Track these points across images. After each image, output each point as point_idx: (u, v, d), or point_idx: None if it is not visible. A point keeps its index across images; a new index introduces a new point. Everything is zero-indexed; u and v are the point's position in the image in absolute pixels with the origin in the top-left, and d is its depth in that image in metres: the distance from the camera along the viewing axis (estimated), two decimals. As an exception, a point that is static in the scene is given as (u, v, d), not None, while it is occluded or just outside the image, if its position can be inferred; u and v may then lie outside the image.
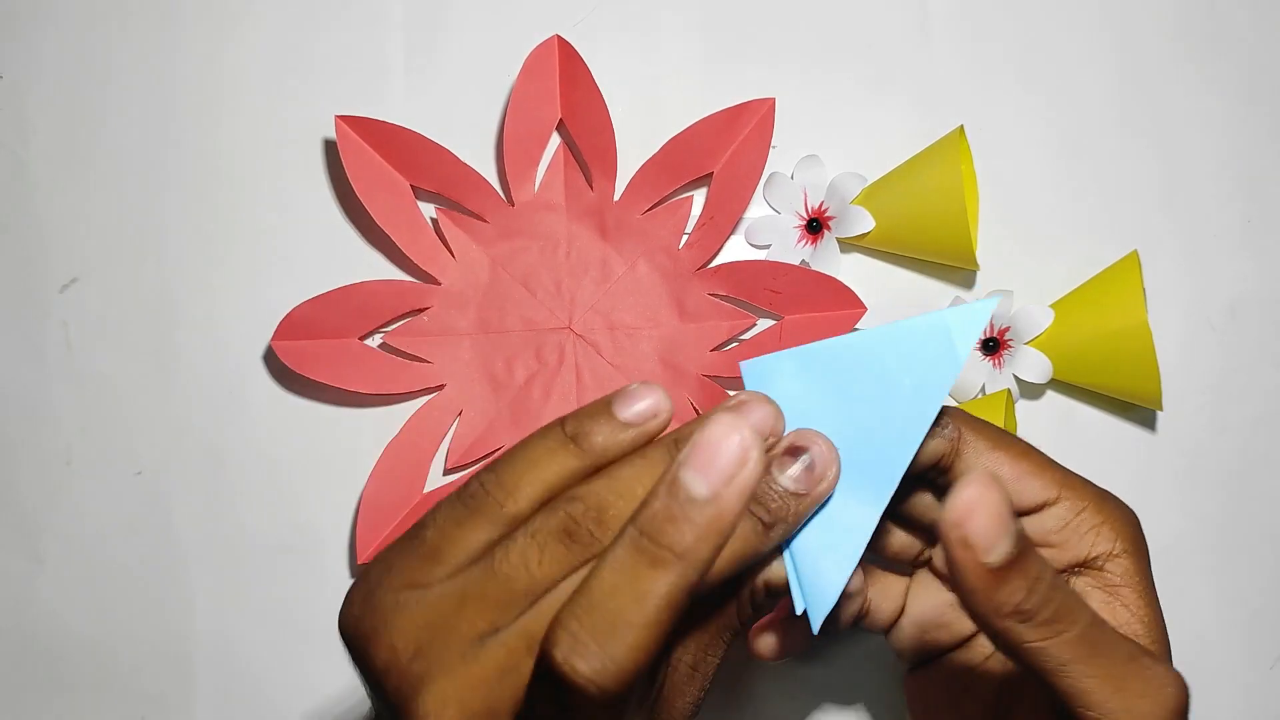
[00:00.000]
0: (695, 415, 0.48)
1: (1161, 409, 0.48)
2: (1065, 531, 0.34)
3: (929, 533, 0.38)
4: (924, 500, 0.36)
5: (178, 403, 0.49)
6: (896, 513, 0.37)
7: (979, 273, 0.49)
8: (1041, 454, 0.35)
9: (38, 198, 0.50)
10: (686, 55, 0.50)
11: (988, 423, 0.35)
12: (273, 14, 0.50)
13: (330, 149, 0.49)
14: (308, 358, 0.47)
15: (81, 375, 0.49)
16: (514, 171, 0.48)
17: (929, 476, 0.35)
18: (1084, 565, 0.35)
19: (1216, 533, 0.49)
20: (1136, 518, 0.35)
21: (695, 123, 0.48)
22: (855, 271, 0.49)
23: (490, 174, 0.49)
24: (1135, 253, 0.47)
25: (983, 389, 0.48)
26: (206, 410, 0.49)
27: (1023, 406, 0.49)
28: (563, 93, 0.48)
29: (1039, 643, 0.29)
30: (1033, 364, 0.47)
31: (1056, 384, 0.48)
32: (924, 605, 0.38)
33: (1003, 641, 0.29)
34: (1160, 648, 0.34)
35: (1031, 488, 0.34)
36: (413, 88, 0.50)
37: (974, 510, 0.27)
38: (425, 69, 0.50)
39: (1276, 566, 0.49)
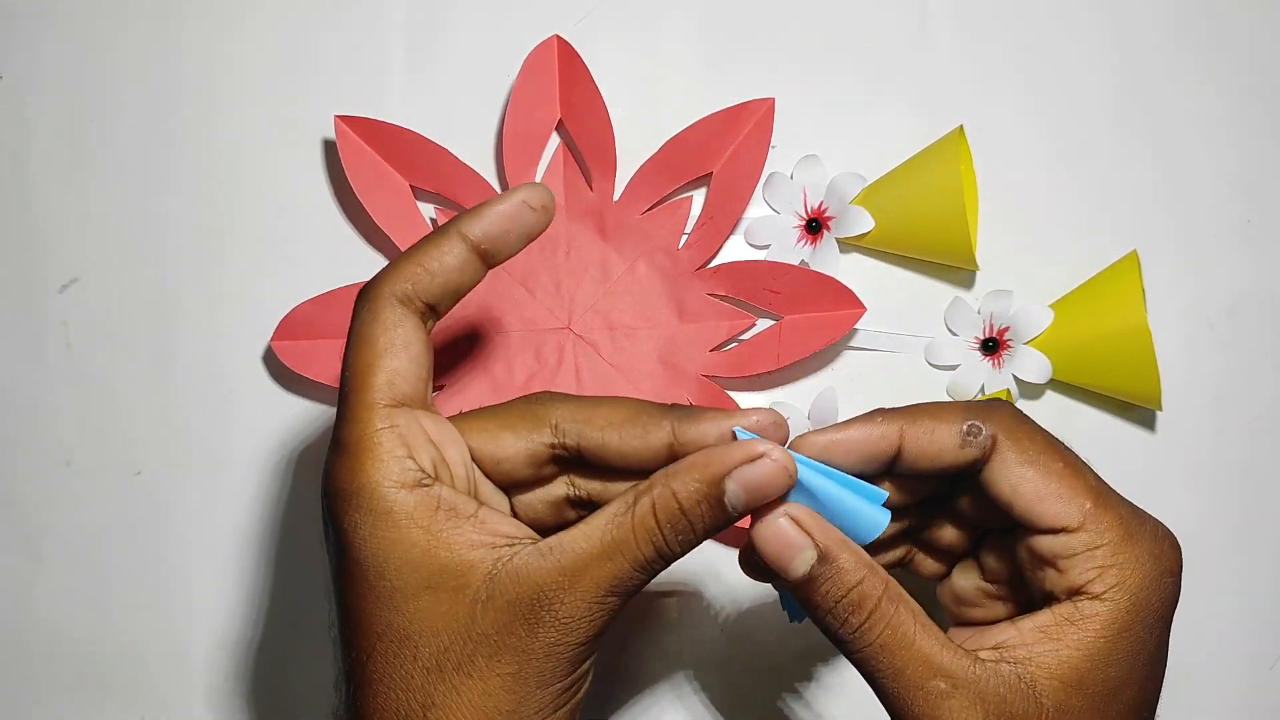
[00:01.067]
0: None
1: (1161, 409, 0.48)
2: (1071, 561, 0.33)
3: (971, 525, 0.37)
4: (965, 498, 0.36)
5: (177, 403, 0.49)
6: (945, 508, 0.37)
7: (978, 273, 0.49)
8: (1087, 479, 0.33)
9: (38, 198, 0.50)
10: (686, 55, 0.50)
11: (1033, 429, 0.34)
12: (273, 14, 0.50)
13: (330, 149, 0.49)
14: (308, 358, 0.47)
15: (81, 375, 0.49)
16: (513, 171, 0.48)
17: (965, 477, 0.35)
18: (1065, 595, 0.34)
19: (1216, 533, 0.49)
20: (1166, 570, 0.34)
21: (695, 123, 0.48)
22: (855, 271, 0.49)
23: (490, 174, 0.49)
24: (1135, 253, 0.47)
25: (982, 389, 0.48)
26: (206, 410, 0.49)
27: (1022, 406, 0.49)
28: (562, 93, 0.48)
29: (847, 652, 0.33)
30: (1032, 364, 0.47)
31: (1056, 384, 0.48)
32: (963, 584, 0.38)
33: (825, 634, 0.33)
34: (1075, 693, 0.32)
35: (1055, 511, 0.33)
36: (412, 88, 0.50)
37: (764, 541, 0.32)
38: (425, 69, 0.50)
39: (1276, 567, 0.49)
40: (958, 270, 0.49)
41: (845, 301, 0.47)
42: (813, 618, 0.33)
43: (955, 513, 0.37)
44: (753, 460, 0.31)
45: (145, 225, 0.49)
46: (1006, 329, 0.48)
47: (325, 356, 0.47)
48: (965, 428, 0.33)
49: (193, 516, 0.49)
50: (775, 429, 0.33)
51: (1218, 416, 0.49)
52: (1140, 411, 0.49)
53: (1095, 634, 0.32)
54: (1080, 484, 0.33)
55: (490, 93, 0.50)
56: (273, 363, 0.49)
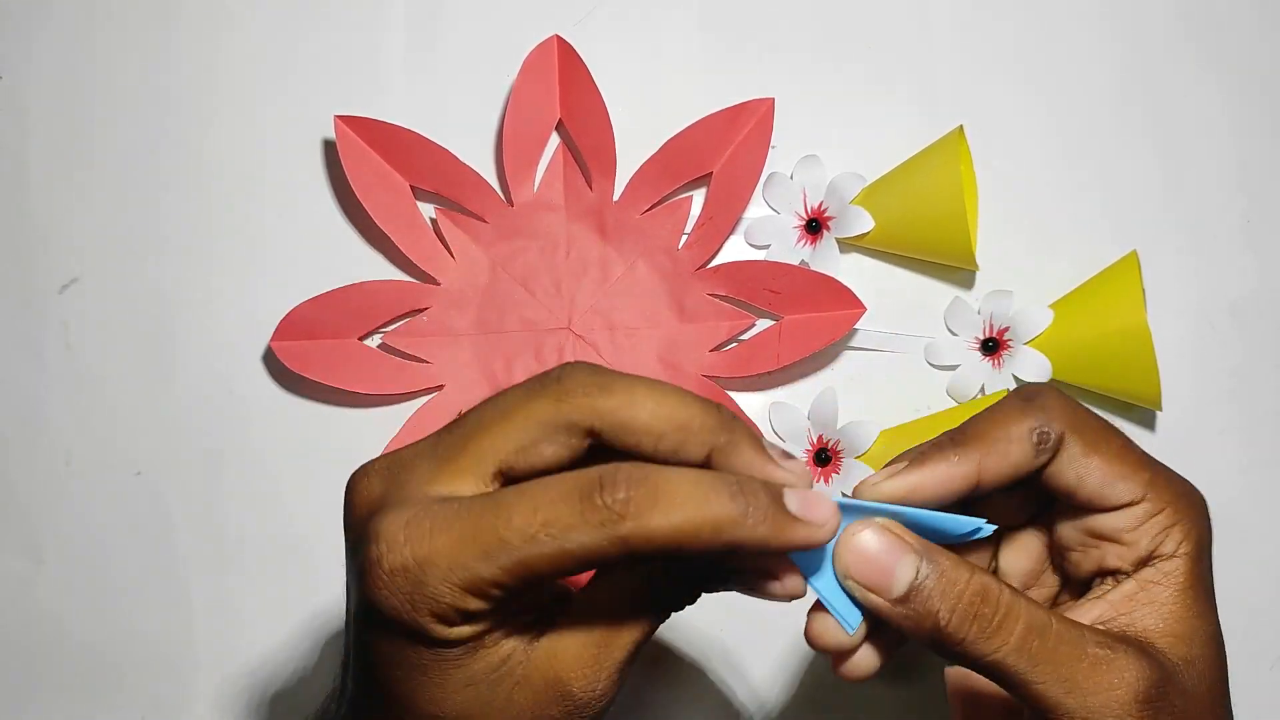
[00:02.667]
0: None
1: (1161, 409, 0.48)
2: (1138, 532, 0.33)
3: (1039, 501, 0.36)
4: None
5: (177, 403, 0.49)
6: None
7: (978, 273, 0.49)
8: (1136, 452, 0.34)
9: (38, 198, 0.50)
10: (686, 55, 0.50)
11: (1085, 414, 0.34)
12: (273, 14, 0.50)
13: (330, 149, 0.49)
14: (307, 358, 0.47)
15: (81, 375, 0.49)
16: (513, 171, 0.48)
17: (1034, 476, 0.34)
18: (1144, 562, 0.33)
19: (1216, 533, 0.49)
20: (1207, 517, 0.34)
21: (695, 123, 0.48)
22: (855, 271, 0.49)
23: (490, 174, 0.49)
24: (1135, 253, 0.47)
25: (982, 389, 0.48)
26: (206, 410, 0.49)
27: (1022, 406, 0.49)
28: (562, 93, 0.48)
29: (981, 657, 0.30)
30: (1032, 364, 0.47)
31: (1056, 384, 0.48)
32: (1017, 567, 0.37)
33: (944, 655, 0.30)
34: (1185, 644, 0.32)
35: (1119, 490, 0.33)
36: (412, 88, 0.50)
37: (855, 563, 0.30)
38: (425, 69, 0.50)
39: (1276, 567, 0.49)
40: (958, 270, 0.49)
41: (845, 301, 0.47)
42: (927, 636, 0.30)
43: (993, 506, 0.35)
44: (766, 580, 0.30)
45: (145, 225, 0.49)
46: (1006, 329, 0.48)
47: (325, 356, 0.47)
48: (1036, 437, 0.32)
49: (193, 516, 0.49)
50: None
51: (1218, 416, 0.49)
52: (1140, 411, 0.49)
53: (1182, 587, 0.32)
54: (1135, 459, 0.33)
55: (490, 93, 0.50)
56: (273, 363, 0.49)
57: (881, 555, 0.30)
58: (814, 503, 0.29)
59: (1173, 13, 0.51)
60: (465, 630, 0.29)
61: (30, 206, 0.50)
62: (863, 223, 0.48)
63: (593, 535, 0.28)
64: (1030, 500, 0.36)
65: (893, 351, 0.49)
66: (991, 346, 0.48)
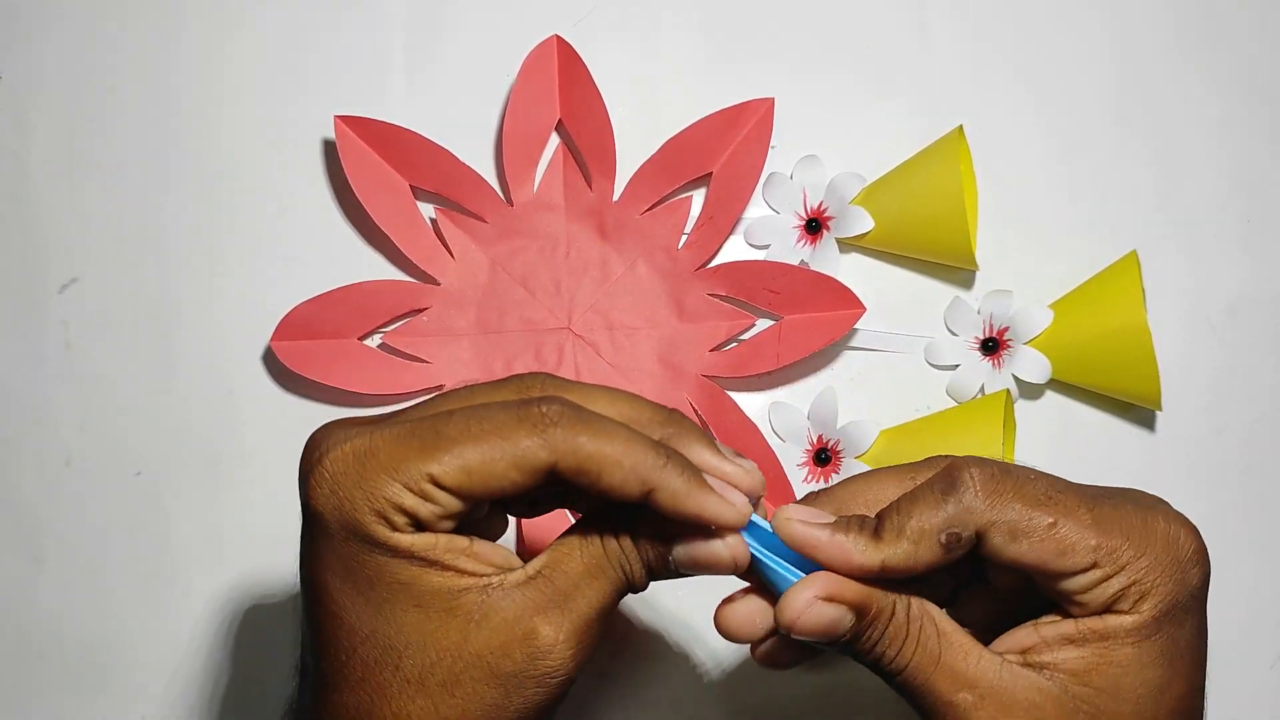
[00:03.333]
0: (695, 415, 0.48)
1: (1161, 409, 0.48)
2: (1090, 594, 0.32)
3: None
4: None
5: (177, 403, 0.49)
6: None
7: (978, 273, 0.49)
8: (1078, 515, 0.32)
9: (38, 198, 0.50)
10: (686, 55, 0.50)
11: (1015, 497, 0.32)
12: (273, 14, 0.50)
13: (330, 149, 0.49)
14: (307, 358, 0.47)
15: (81, 375, 0.49)
16: (513, 171, 0.48)
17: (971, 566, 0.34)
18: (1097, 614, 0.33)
19: (1216, 533, 0.49)
20: (1194, 566, 0.33)
21: (694, 123, 0.48)
22: (854, 271, 0.49)
23: (489, 174, 0.49)
24: (1134, 253, 0.47)
25: (982, 389, 0.48)
26: (206, 410, 0.49)
27: (1022, 407, 0.49)
28: (562, 93, 0.48)
29: (887, 673, 0.33)
30: (1032, 364, 0.47)
31: (1056, 384, 0.48)
32: (972, 616, 0.36)
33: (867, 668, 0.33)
34: (1107, 695, 0.31)
35: (1062, 564, 0.32)
36: (412, 88, 0.50)
37: (805, 626, 0.32)
38: (425, 69, 0.50)
39: (1276, 566, 0.49)
40: (958, 270, 0.49)
41: (845, 301, 0.47)
42: (853, 658, 0.33)
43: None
44: (707, 539, 0.32)
45: (145, 225, 0.49)
46: (1006, 329, 0.48)
47: (325, 356, 0.47)
48: (944, 539, 0.32)
49: (193, 516, 0.49)
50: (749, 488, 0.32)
51: (1218, 416, 0.49)
52: (1140, 411, 0.49)
53: (1124, 643, 0.32)
54: (1077, 527, 0.32)
55: (490, 93, 0.50)
56: (273, 363, 0.49)
57: (828, 621, 0.31)
58: (729, 488, 0.31)
59: (1172, 13, 0.51)
60: (408, 539, 0.30)
61: (30, 206, 0.50)
62: (863, 223, 0.48)
63: (526, 438, 0.30)
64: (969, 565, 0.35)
65: (893, 351, 0.49)
66: (991, 346, 0.48)
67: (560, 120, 0.48)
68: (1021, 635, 0.33)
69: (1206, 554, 0.34)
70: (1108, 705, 0.31)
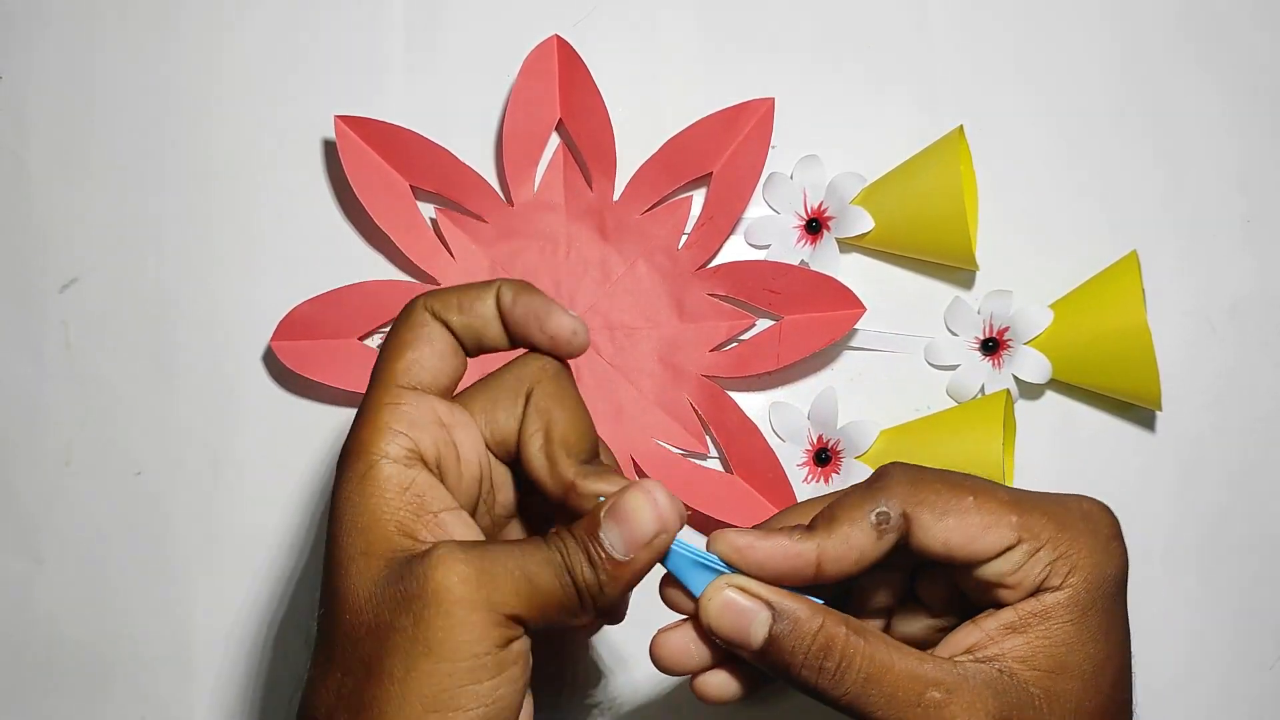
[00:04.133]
0: (695, 415, 0.48)
1: (1161, 409, 0.48)
2: (1019, 573, 0.33)
3: (902, 576, 0.37)
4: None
5: (177, 403, 0.49)
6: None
7: (978, 273, 0.49)
8: (1000, 497, 0.33)
9: (38, 198, 0.50)
10: (686, 55, 0.50)
11: (929, 478, 0.34)
12: (272, 14, 0.50)
13: (330, 149, 0.49)
14: (307, 358, 0.47)
15: (81, 375, 0.49)
16: (513, 171, 0.48)
17: (900, 556, 0.34)
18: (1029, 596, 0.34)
19: (1216, 532, 0.49)
20: (1114, 542, 0.34)
21: (694, 123, 0.48)
22: (855, 271, 0.49)
23: (490, 174, 0.49)
24: (1135, 253, 0.47)
25: (982, 389, 0.48)
26: (206, 410, 0.49)
27: (1022, 407, 0.49)
28: (562, 93, 0.48)
29: (832, 700, 0.32)
30: (1032, 364, 0.47)
31: (1056, 384, 0.48)
32: (910, 629, 0.37)
33: (806, 694, 0.33)
34: (1053, 676, 0.32)
35: (988, 541, 0.33)
36: (412, 87, 0.50)
37: (717, 618, 0.33)
38: (425, 69, 0.50)
39: (1276, 566, 0.49)
40: (958, 270, 0.49)
41: (845, 301, 0.47)
42: (786, 680, 0.33)
43: (885, 572, 0.36)
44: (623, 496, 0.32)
45: (145, 225, 0.49)
46: (1006, 329, 0.48)
47: (325, 356, 0.47)
48: (874, 519, 0.33)
49: (193, 516, 0.49)
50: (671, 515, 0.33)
51: (1218, 416, 0.49)
52: (1140, 411, 0.49)
53: (1063, 620, 0.33)
54: (996, 504, 0.33)
55: (490, 93, 0.50)
56: (273, 363, 0.49)
57: (741, 614, 0.32)
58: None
59: (1172, 13, 0.51)
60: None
61: (30, 206, 0.50)
62: (863, 223, 0.48)
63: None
64: (905, 579, 0.37)
65: (893, 351, 0.49)
66: (991, 346, 0.48)
67: (560, 120, 0.48)
68: (963, 635, 0.33)
69: (1122, 536, 0.35)
70: (1057, 685, 0.32)
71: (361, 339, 0.48)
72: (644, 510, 0.32)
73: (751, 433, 0.47)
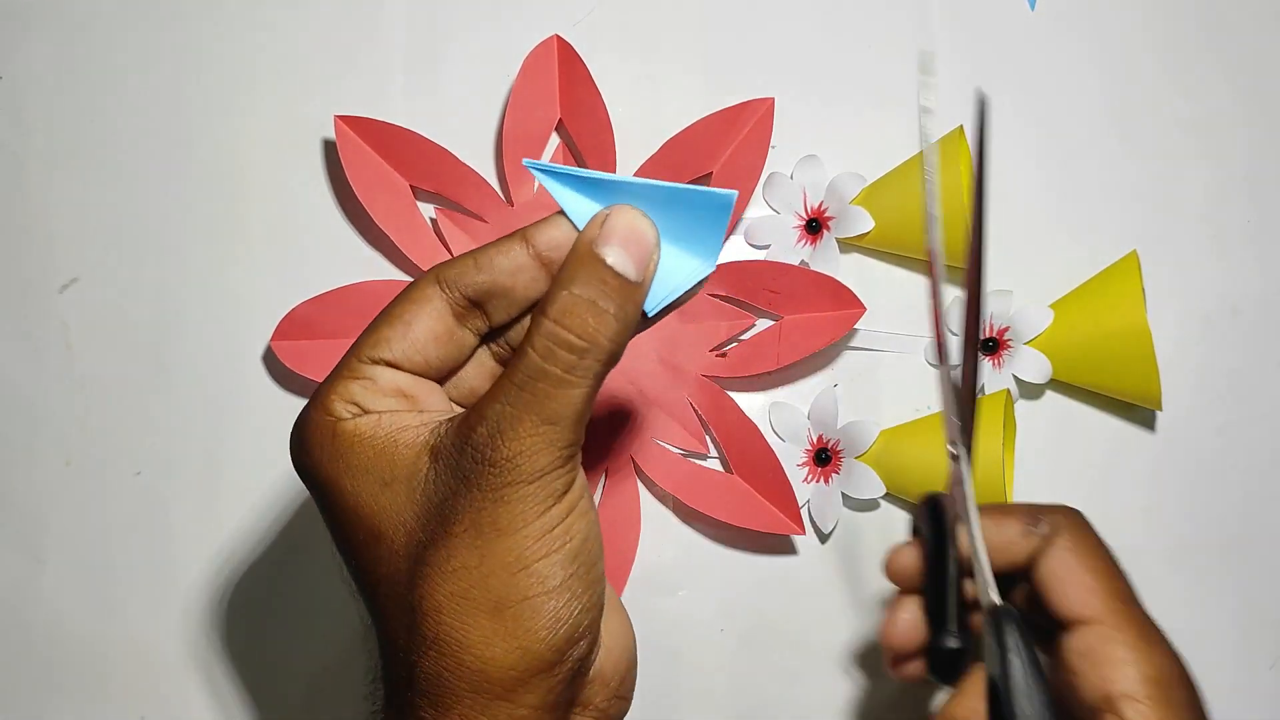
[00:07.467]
0: (694, 416, 0.48)
1: (1161, 409, 0.48)
2: (1089, 659, 0.34)
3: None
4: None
5: (177, 403, 0.49)
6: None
7: (979, 273, 0.49)
8: (1114, 580, 0.36)
9: (38, 198, 0.50)
10: (686, 55, 0.50)
11: (1088, 531, 0.37)
12: (273, 14, 0.50)
13: (330, 149, 0.49)
14: (308, 358, 0.47)
15: (81, 375, 0.49)
16: (513, 171, 0.48)
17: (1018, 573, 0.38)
18: (1102, 706, 0.34)
19: (1216, 532, 0.49)
20: (1183, 668, 0.35)
21: (694, 123, 0.48)
22: (855, 271, 0.49)
23: (490, 174, 0.49)
24: (1135, 253, 0.47)
25: (982, 389, 0.48)
26: (206, 410, 0.49)
27: (1022, 407, 0.49)
28: (562, 93, 0.48)
29: None
30: (1032, 364, 0.47)
31: (1056, 384, 0.48)
32: None
33: None
34: None
35: (1078, 599, 0.35)
36: (413, 88, 0.50)
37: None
38: (425, 69, 0.50)
39: (1276, 566, 0.49)
40: (958, 270, 0.49)
41: (845, 301, 0.47)
42: None
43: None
44: (604, 221, 0.32)
45: (145, 225, 0.49)
46: (1006, 329, 0.48)
47: (325, 356, 0.47)
48: (1026, 518, 0.37)
49: (193, 516, 0.49)
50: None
51: (1218, 416, 0.49)
52: (1140, 411, 0.49)
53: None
54: (1111, 585, 0.35)
55: (490, 93, 0.50)
56: (273, 363, 0.49)
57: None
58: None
59: (1173, 13, 0.51)
60: (350, 424, 0.32)
61: (30, 206, 0.50)
62: (863, 223, 0.48)
63: (428, 286, 0.34)
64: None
65: (893, 351, 0.49)
66: (991, 346, 0.48)
67: (560, 120, 0.48)
68: None
69: (1196, 686, 0.36)
70: None
71: (361, 339, 0.48)
72: (641, 220, 0.32)
73: (751, 433, 0.47)
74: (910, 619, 0.38)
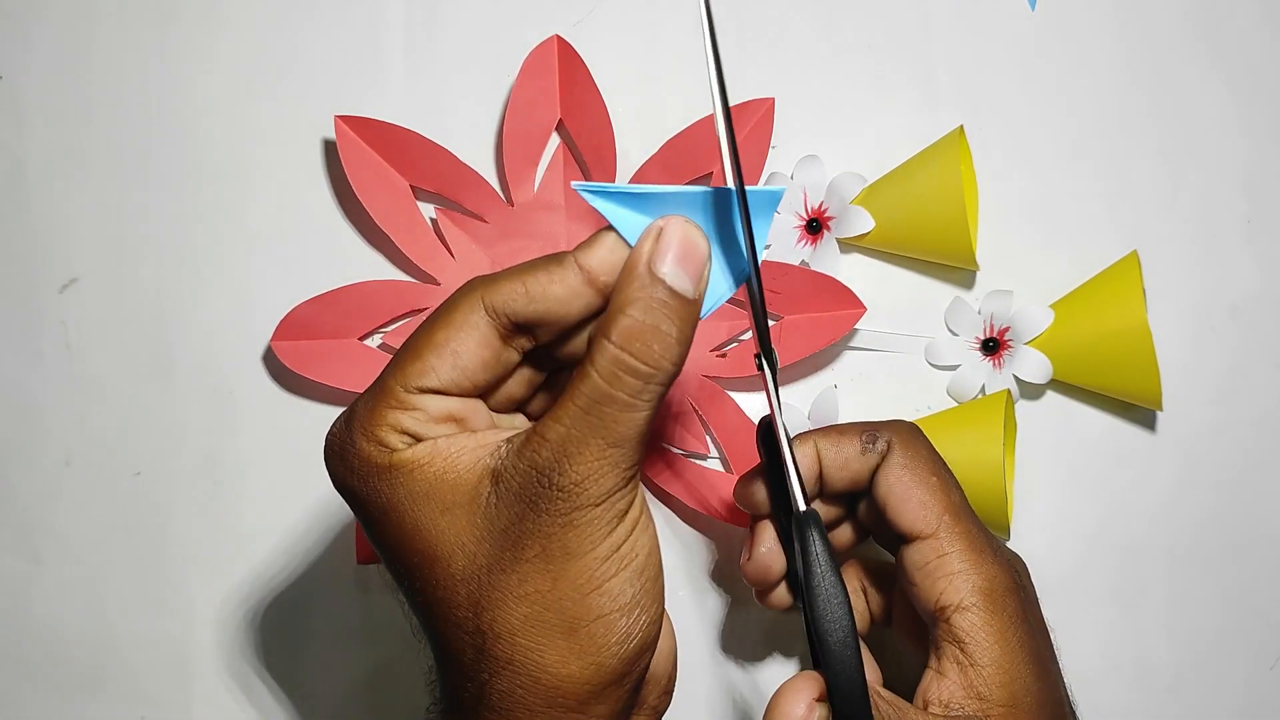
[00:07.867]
0: (695, 415, 0.48)
1: (1161, 409, 0.48)
2: (924, 571, 0.37)
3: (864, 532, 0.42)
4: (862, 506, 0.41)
5: (177, 403, 0.49)
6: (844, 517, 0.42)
7: (978, 273, 0.49)
8: (948, 493, 0.38)
9: (37, 198, 0.50)
10: (686, 55, 0.50)
11: (922, 443, 0.39)
12: (272, 14, 0.50)
13: (330, 149, 0.49)
14: (307, 358, 0.47)
15: (80, 376, 0.49)
16: (513, 171, 0.48)
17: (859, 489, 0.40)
18: (937, 615, 0.37)
19: (1216, 533, 0.49)
20: (1014, 578, 0.37)
21: (695, 123, 0.48)
22: (855, 271, 0.49)
23: (490, 174, 0.49)
24: (1135, 253, 0.47)
25: (983, 389, 0.48)
26: (206, 410, 0.49)
27: (1022, 407, 0.49)
28: (562, 93, 0.48)
29: None
30: (1033, 364, 0.47)
31: (1056, 384, 0.48)
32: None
33: None
34: (1011, 701, 0.35)
35: (911, 514, 0.37)
36: (412, 87, 0.50)
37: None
38: (425, 69, 0.50)
39: (1276, 566, 0.49)
40: (958, 270, 0.49)
41: (845, 301, 0.47)
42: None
43: (854, 520, 0.42)
44: (658, 237, 0.32)
45: (145, 225, 0.49)
46: (1007, 329, 0.48)
47: (325, 356, 0.47)
48: (863, 436, 0.39)
49: (193, 516, 0.49)
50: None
51: (1218, 416, 0.49)
52: (1140, 411, 0.49)
53: (988, 637, 0.35)
54: (944, 499, 0.37)
55: (490, 93, 0.50)
56: (273, 363, 0.49)
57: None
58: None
59: (1174, 12, 0.51)
60: (407, 454, 0.33)
61: (30, 206, 0.50)
62: (863, 223, 0.48)
63: (473, 313, 0.33)
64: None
65: (893, 351, 0.49)
66: (992, 346, 0.48)
67: (560, 120, 0.48)
68: (933, 687, 0.36)
69: (1032, 588, 0.39)
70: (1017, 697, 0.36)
71: (361, 339, 0.48)
72: (694, 232, 0.32)
73: (752, 433, 0.47)
74: (767, 551, 0.40)
